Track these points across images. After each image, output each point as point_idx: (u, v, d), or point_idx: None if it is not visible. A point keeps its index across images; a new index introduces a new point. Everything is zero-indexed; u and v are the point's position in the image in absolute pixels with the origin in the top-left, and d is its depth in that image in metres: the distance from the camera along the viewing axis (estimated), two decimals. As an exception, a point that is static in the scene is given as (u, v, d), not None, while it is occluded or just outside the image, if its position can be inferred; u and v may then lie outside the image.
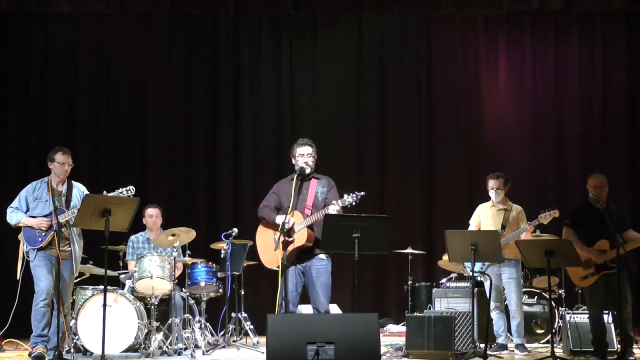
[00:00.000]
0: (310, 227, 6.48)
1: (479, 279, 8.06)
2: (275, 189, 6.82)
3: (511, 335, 8.22)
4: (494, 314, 8.06)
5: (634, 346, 7.31)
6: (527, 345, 8.11)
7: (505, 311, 8.15)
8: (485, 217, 8.18)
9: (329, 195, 6.63)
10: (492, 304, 7.97)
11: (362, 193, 6.35)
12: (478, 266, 7.78)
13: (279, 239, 6.49)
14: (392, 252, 9.42)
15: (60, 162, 7.13)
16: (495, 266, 7.87)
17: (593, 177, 7.36)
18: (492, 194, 8.13)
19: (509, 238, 7.75)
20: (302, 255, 6.55)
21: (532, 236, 8.06)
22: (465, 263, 7.98)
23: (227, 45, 11.13)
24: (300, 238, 6.48)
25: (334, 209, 6.34)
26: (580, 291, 9.09)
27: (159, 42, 11.10)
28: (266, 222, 6.72)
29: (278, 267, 6.55)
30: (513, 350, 8.07)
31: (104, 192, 6.88)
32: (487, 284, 7.96)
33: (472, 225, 8.26)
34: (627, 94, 11.01)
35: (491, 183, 8.14)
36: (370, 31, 11.26)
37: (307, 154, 6.72)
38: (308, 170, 6.70)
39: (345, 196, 6.38)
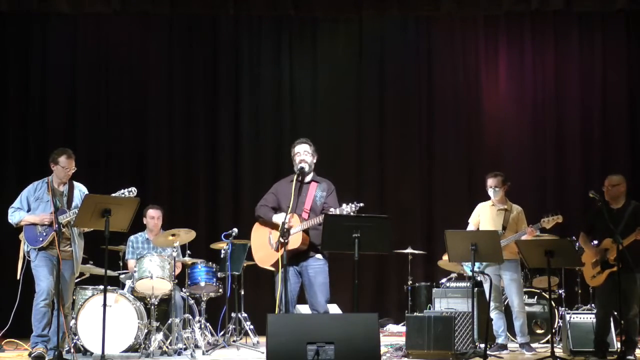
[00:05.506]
0: (305, 231, 6.43)
1: (478, 279, 8.06)
2: (274, 189, 6.75)
3: (511, 335, 8.22)
4: (493, 314, 8.06)
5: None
6: (527, 344, 8.12)
7: (505, 312, 8.15)
8: (485, 217, 8.18)
9: (328, 200, 6.55)
10: (492, 304, 7.97)
11: (362, 204, 6.25)
12: (476, 266, 7.78)
13: (278, 239, 6.44)
14: (392, 252, 9.42)
15: (63, 167, 7.09)
16: (494, 266, 7.87)
17: (608, 177, 7.33)
18: (490, 192, 8.15)
19: (510, 240, 7.76)
20: (298, 256, 6.48)
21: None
22: (463, 263, 7.99)
23: (227, 45, 11.13)
24: (294, 241, 6.39)
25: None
26: (580, 291, 9.12)
27: (159, 42, 11.10)
28: (263, 220, 6.66)
29: (271, 266, 6.54)
30: (516, 350, 8.08)
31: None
32: (486, 285, 7.96)
33: (471, 225, 8.26)
34: (627, 94, 11.01)
35: (489, 181, 8.16)
36: (370, 31, 11.26)
37: (304, 152, 6.63)
38: (307, 169, 6.61)
39: (344, 205, 6.27)
